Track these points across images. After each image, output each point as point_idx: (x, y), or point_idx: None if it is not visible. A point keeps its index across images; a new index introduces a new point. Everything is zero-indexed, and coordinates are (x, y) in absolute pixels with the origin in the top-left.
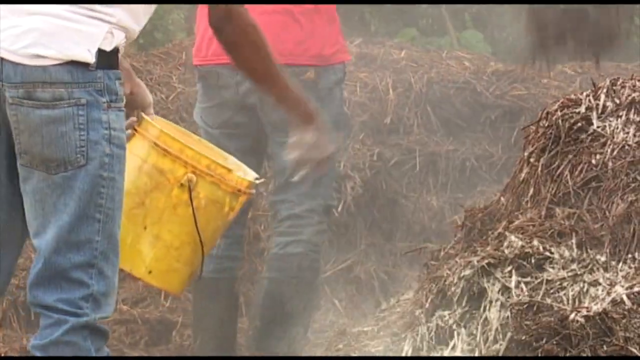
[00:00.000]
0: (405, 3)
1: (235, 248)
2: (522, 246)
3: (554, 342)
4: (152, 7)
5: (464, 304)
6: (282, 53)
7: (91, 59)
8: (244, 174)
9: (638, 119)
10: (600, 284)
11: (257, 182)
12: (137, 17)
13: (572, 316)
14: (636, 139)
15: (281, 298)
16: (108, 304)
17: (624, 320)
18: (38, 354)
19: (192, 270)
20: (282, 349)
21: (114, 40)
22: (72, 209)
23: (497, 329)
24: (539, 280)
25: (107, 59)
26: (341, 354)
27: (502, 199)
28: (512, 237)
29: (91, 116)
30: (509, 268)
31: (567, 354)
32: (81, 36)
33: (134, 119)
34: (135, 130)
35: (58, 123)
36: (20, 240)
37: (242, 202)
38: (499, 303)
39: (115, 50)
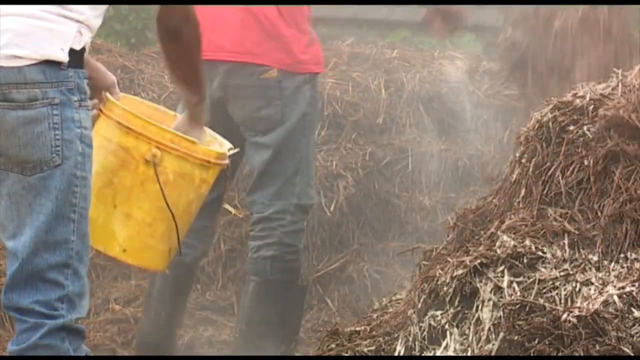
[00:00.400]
0: (401, 4)
1: (193, 236)
2: (515, 246)
3: (546, 343)
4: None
5: (456, 303)
6: (241, 51)
7: (65, 58)
8: (220, 145)
9: None
10: (592, 283)
11: (230, 152)
12: (100, 16)
13: (564, 316)
14: None
15: (260, 301)
16: (82, 305)
17: (616, 320)
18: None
19: (169, 246)
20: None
21: (82, 39)
22: (49, 209)
23: (489, 329)
24: (531, 280)
25: (77, 58)
26: (333, 353)
27: (494, 199)
28: (505, 237)
29: (65, 115)
30: (501, 268)
31: (560, 354)
32: (54, 36)
33: (95, 100)
34: (100, 111)
35: (34, 123)
36: None
37: (214, 174)
38: (491, 303)
39: (83, 50)
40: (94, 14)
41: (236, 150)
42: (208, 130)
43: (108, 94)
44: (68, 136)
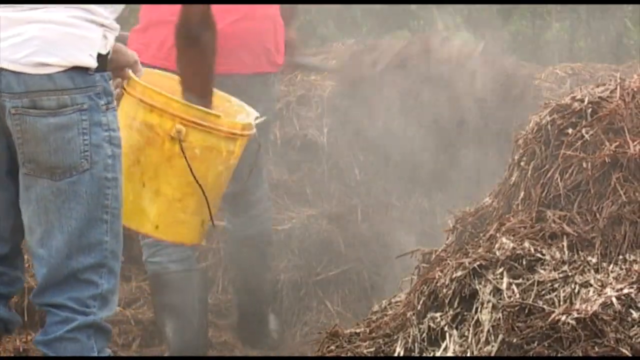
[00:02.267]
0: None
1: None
2: (514, 248)
3: (545, 345)
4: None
5: (455, 305)
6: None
7: (94, 63)
8: (247, 115)
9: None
10: (591, 285)
11: (257, 121)
12: (117, 18)
13: (563, 318)
14: None
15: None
16: (113, 302)
17: (614, 322)
18: (42, 349)
19: (202, 219)
20: None
21: (108, 43)
22: (80, 214)
23: (488, 331)
24: (530, 281)
25: (103, 62)
26: (333, 354)
27: (493, 202)
28: (504, 239)
29: (93, 120)
30: (500, 270)
31: (559, 356)
32: (83, 42)
33: (119, 79)
34: (124, 89)
35: (65, 130)
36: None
37: (242, 145)
38: (490, 304)
39: (108, 54)
40: (113, 17)
41: (263, 118)
42: (235, 100)
43: (130, 72)
44: (96, 140)
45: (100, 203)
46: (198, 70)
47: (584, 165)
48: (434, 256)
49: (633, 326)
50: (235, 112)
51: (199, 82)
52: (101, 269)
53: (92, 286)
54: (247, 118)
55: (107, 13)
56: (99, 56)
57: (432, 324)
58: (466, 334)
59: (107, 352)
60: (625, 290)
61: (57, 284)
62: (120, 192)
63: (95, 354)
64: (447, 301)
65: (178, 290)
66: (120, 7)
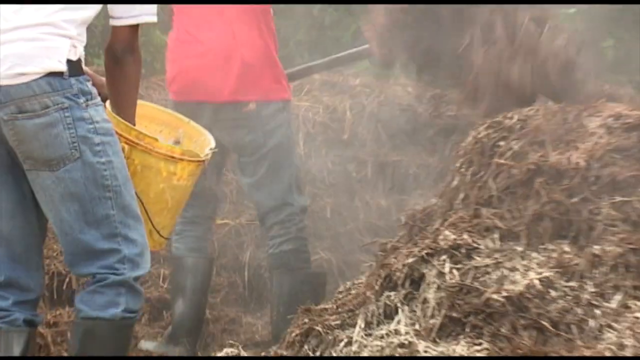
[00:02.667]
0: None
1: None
2: (455, 239)
3: (480, 318)
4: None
5: (406, 286)
6: (224, 93)
7: (64, 68)
8: (205, 140)
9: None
10: (517, 269)
11: (207, 151)
12: (84, 32)
13: (494, 296)
14: None
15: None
16: (144, 263)
17: (536, 300)
18: (76, 304)
19: (149, 228)
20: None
21: (77, 51)
22: (82, 195)
23: (434, 307)
24: (468, 266)
25: (75, 67)
26: (306, 327)
27: (438, 202)
28: (447, 232)
29: (75, 116)
30: (444, 257)
31: (490, 328)
32: (51, 51)
33: None
34: None
35: (51, 127)
36: (38, 229)
37: (184, 168)
38: (435, 285)
39: (79, 60)
40: (79, 30)
41: (215, 149)
42: (193, 124)
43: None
44: (81, 132)
45: (99, 184)
46: (121, 89)
47: (513, 171)
48: (389, 246)
49: (551, 303)
50: (197, 140)
51: (121, 100)
52: (116, 238)
53: (114, 253)
54: (204, 142)
55: (72, 28)
56: (70, 62)
57: (387, 302)
58: (415, 309)
59: (137, 315)
60: (545, 274)
61: (82, 256)
62: (119, 171)
63: (120, 310)
64: (399, 283)
65: (188, 272)
66: (85, 21)
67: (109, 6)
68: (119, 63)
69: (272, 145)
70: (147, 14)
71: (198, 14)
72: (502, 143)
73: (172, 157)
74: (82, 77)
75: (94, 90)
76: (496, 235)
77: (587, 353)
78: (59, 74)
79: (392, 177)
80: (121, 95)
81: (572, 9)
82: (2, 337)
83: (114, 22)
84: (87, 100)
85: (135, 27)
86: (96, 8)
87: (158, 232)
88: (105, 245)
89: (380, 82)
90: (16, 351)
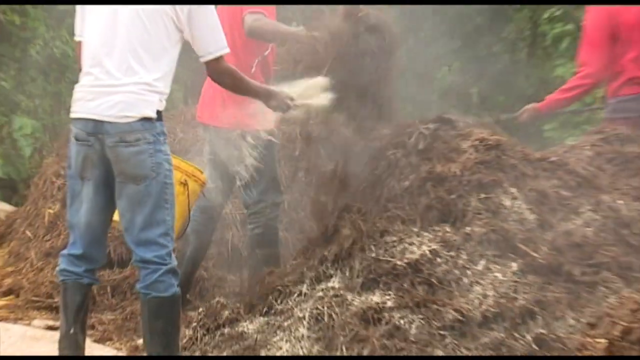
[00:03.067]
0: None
1: None
2: (372, 225)
3: (389, 278)
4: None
5: (339, 258)
6: (223, 119)
7: (153, 115)
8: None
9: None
10: (414, 244)
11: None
12: (170, 81)
13: (399, 263)
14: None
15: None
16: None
17: (427, 264)
18: (143, 291)
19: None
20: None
21: (161, 104)
22: (151, 204)
23: (358, 270)
24: (381, 243)
25: (160, 115)
26: (270, 284)
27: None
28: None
29: (156, 148)
30: (364, 237)
31: (396, 284)
32: (146, 103)
33: None
34: None
35: (139, 154)
36: (109, 222)
37: (200, 188)
38: (360, 257)
39: (161, 110)
40: (165, 84)
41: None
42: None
43: None
44: (159, 160)
45: (163, 198)
46: (236, 90)
47: (411, 177)
48: (328, 228)
49: (437, 266)
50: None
51: (243, 92)
52: (167, 236)
53: (165, 247)
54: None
55: (161, 86)
56: (158, 111)
57: (324, 269)
58: (345, 273)
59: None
60: (433, 247)
61: (143, 247)
62: (172, 191)
63: (175, 289)
64: (334, 256)
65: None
66: (169, 75)
67: (195, 48)
68: (220, 83)
69: (257, 164)
70: (221, 48)
71: None
72: (403, 158)
73: (204, 184)
74: (161, 122)
75: (166, 132)
76: (399, 221)
77: (462, 301)
78: (150, 119)
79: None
80: (240, 92)
81: None
82: (70, 289)
83: (201, 59)
84: (164, 138)
85: (218, 59)
86: (175, 62)
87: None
88: (160, 240)
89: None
90: (77, 300)
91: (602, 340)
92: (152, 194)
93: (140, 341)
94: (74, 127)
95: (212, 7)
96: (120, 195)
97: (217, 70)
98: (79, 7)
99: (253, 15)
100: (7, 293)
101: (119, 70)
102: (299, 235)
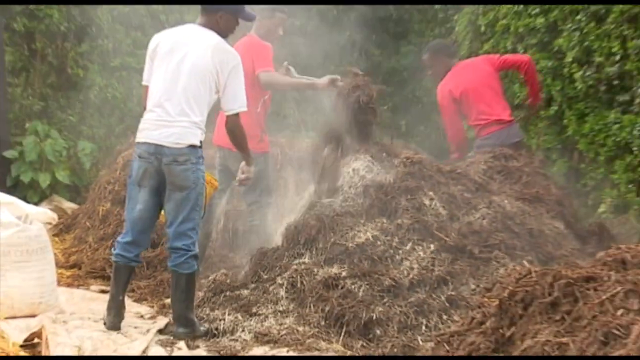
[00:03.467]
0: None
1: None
2: (333, 217)
3: (344, 256)
4: None
5: (308, 243)
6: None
7: (199, 143)
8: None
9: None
10: (361, 231)
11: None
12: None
13: (349, 245)
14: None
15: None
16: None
17: (370, 246)
18: (174, 268)
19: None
20: None
21: (202, 137)
22: (189, 207)
23: (321, 250)
24: (338, 230)
25: (200, 144)
26: (260, 260)
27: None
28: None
29: (196, 167)
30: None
31: (348, 260)
32: (193, 136)
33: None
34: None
35: (186, 171)
36: (156, 219)
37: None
38: (322, 240)
39: (202, 141)
40: (204, 122)
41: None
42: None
43: None
44: (198, 176)
45: (197, 202)
46: (237, 141)
47: (359, 184)
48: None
49: (377, 247)
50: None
51: (241, 145)
52: (194, 230)
53: (191, 238)
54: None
55: (202, 124)
56: (200, 141)
57: (298, 250)
58: (314, 253)
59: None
60: (375, 233)
61: (177, 238)
62: (204, 199)
63: (195, 268)
64: (305, 240)
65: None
66: (205, 116)
67: (221, 103)
68: (229, 132)
69: (255, 176)
70: (240, 106)
71: None
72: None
73: (216, 188)
74: (201, 149)
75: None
76: (350, 216)
77: (395, 272)
78: (194, 146)
79: (297, 189)
80: (238, 143)
81: None
82: (122, 269)
83: (224, 113)
84: (202, 160)
85: (237, 114)
86: (210, 108)
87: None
88: (190, 233)
89: (295, 139)
90: (125, 277)
91: (495, 300)
92: (191, 200)
93: (167, 301)
94: (138, 148)
95: (242, 75)
96: (169, 199)
97: (233, 122)
98: (148, 59)
99: (265, 73)
100: (72, 267)
101: (175, 111)
102: (279, 226)
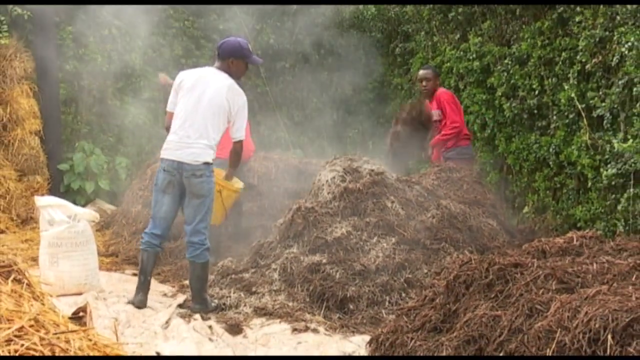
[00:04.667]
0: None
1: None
2: (314, 217)
3: (324, 247)
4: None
5: (296, 236)
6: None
7: (211, 161)
8: (237, 183)
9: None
10: (337, 227)
11: (242, 186)
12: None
13: (328, 238)
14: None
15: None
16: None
17: (345, 239)
18: (191, 259)
19: (221, 215)
20: None
21: (214, 154)
22: (204, 211)
23: (305, 243)
24: (319, 227)
25: (212, 161)
26: (260, 248)
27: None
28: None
29: (208, 180)
30: (311, 227)
31: (328, 251)
32: (207, 154)
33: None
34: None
35: (202, 183)
36: (175, 217)
37: (237, 195)
38: (307, 235)
39: (214, 159)
40: (217, 143)
41: (244, 186)
42: (237, 179)
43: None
44: (210, 186)
45: (208, 207)
46: (236, 162)
47: (335, 190)
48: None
49: (350, 240)
50: (235, 182)
51: (236, 164)
52: (207, 228)
53: (204, 235)
54: (238, 185)
55: (215, 147)
56: (213, 159)
57: (289, 242)
58: (300, 244)
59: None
60: (348, 229)
61: (193, 234)
62: (213, 204)
63: (207, 258)
64: (294, 234)
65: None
66: (218, 140)
67: (230, 132)
68: (237, 153)
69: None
70: (242, 136)
71: None
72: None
73: (235, 190)
74: (213, 165)
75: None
76: (329, 215)
77: (364, 259)
78: (208, 163)
79: (285, 195)
80: (238, 161)
81: None
82: (150, 255)
83: (232, 140)
84: (213, 174)
85: (241, 140)
86: (222, 134)
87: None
88: (203, 230)
89: (285, 155)
90: (152, 261)
91: (443, 282)
92: (206, 205)
93: (186, 282)
94: (163, 163)
95: (246, 111)
96: (188, 204)
97: (238, 146)
98: (173, 92)
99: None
100: (110, 255)
101: (195, 135)
102: (269, 221)
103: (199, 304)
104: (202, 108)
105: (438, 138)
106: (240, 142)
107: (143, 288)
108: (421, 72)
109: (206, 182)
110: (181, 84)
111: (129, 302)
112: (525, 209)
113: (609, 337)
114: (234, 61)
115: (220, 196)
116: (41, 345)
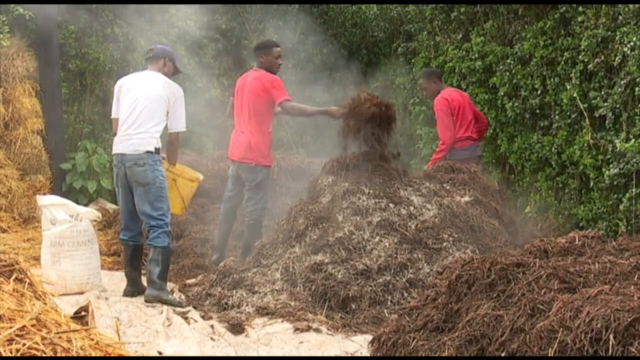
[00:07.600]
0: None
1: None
2: (314, 220)
3: (328, 246)
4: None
5: (299, 237)
6: (242, 157)
7: (153, 150)
8: (195, 173)
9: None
10: (339, 227)
11: (200, 178)
12: (161, 131)
13: (330, 239)
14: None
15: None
16: (170, 224)
17: (347, 239)
18: (149, 243)
19: (180, 206)
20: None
21: (158, 143)
22: (153, 198)
23: (308, 243)
24: (321, 227)
25: (157, 149)
26: (260, 246)
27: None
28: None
29: (154, 168)
30: (311, 226)
31: (330, 249)
32: (149, 143)
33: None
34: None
35: (145, 171)
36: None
37: (197, 185)
38: (309, 236)
39: (159, 147)
40: (159, 133)
41: (200, 180)
42: (195, 172)
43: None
44: (156, 174)
45: (160, 194)
46: (174, 154)
47: (338, 193)
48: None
49: (354, 239)
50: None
51: (174, 156)
52: (164, 215)
53: (163, 219)
54: (197, 175)
55: (157, 135)
56: (155, 148)
57: (290, 242)
58: (302, 243)
59: (171, 244)
60: (350, 229)
61: (150, 220)
62: (165, 189)
63: (167, 243)
64: (297, 234)
65: (223, 223)
66: (160, 130)
67: (168, 124)
68: (172, 145)
69: (254, 184)
70: (180, 128)
71: (236, 119)
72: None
73: (192, 179)
74: (159, 154)
75: (161, 157)
76: (331, 215)
77: (367, 259)
78: (151, 152)
79: (287, 194)
80: (174, 154)
81: None
82: (125, 248)
83: (169, 130)
84: (159, 162)
85: (177, 132)
86: (163, 125)
87: (185, 208)
88: (160, 217)
89: (288, 155)
90: (127, 253)
91: (445, 281)
92: (152, 192)
93: (188, 281)
94: (114, 159)
95: (183, 103)
96: (135, 193)
97: (174, 138)
98: (115, 98)
99: (287, 103)
100: (113, 254)
101: (135, 130)
102: (273, 223)
103: (154, 290)
104: (141, 104)
105: (432, 160)
106: (177, 133)
107: (129, 280)
108: (419, 80)
109: (150, 170)
110: (120, 89)
111: (135, 298)
112: (527, 209)
113: (611, 337)
114: (167, 62)
115: (175, 184)
116: (43, 344)
